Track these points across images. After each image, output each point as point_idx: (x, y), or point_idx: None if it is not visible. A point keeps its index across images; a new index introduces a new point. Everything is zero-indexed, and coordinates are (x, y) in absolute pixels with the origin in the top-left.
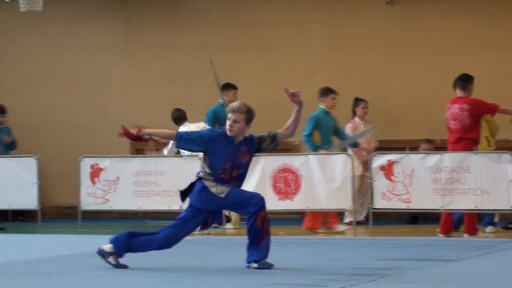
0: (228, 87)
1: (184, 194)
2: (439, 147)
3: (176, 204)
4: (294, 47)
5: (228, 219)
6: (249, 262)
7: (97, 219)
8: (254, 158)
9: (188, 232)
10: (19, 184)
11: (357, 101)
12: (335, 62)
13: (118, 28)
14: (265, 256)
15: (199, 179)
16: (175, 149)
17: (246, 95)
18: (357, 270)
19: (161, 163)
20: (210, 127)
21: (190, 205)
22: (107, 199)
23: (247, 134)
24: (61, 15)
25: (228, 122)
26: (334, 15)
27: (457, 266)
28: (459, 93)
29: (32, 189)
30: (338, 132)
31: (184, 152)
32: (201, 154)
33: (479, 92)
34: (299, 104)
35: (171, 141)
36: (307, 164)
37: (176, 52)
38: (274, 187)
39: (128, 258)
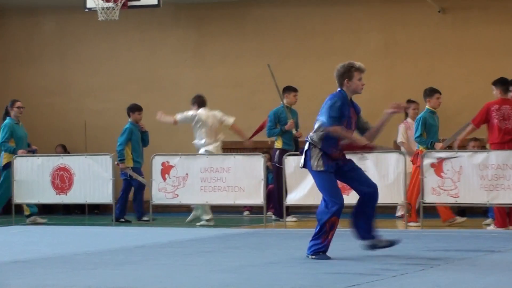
0: (288, 89)
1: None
2: (485, 145)
3: (241, 199)
4: (351, 53)
5: (289, 213)
6: (308, 253)
7: (167, 212)
8: None
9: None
10: (96, 180)
11: (409, 102)
12: (389, 67)
13: (188, 35)
14: (325, 250)
15: (310, 145)
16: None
17: (306, 98)
18: (408, 260)
19: (226, 160)
20: (337, 95)
21: None
22: (176, 194)
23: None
24: (135, 24)
25: (361, 82)
26: (388, 24)
27: (502, 257)
28: (503, 95)
29: (107, 184)
30: None
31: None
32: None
33: None
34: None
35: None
36: (363, 161)
37: (242, 57)
38: None
39: (194, 248)
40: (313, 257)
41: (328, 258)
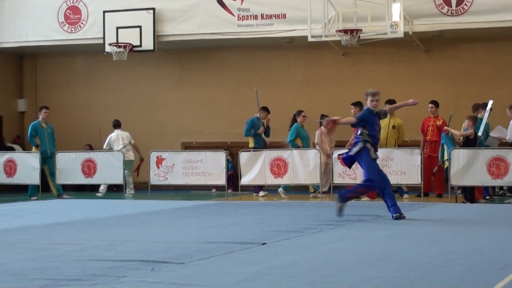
0: (264, 109)
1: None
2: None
3: (210, 181)
4: (284, 82)
5: (262, 189)
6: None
7: (160, 190)
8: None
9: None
10: (111, 168)
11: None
12: (309, 91)
13: (174, 70)
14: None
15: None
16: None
17: (251, 113)
18: (323, 221)
19: (200, 155)
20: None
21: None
22: (166, 177)
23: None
24: (138, 62)
25: (374, 103)
26: (309, 63)
27: (386, 219)
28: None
29: (119, 171)
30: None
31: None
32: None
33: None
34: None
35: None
36: (292, 156)
37: (210, 85)
38: (271, 170)
39: (178, 214)
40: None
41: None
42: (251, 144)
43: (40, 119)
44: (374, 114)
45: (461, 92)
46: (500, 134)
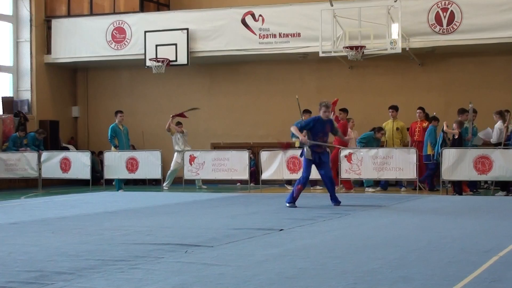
0: (307, 111)
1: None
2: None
3: (235, 176)
4: (300, 92)
5: (316, 183)
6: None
7: (193, 184)
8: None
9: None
10: (151, 165)
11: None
12: (320, 100)
13: (205, 81)
14: (292, 201)
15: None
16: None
17: (277, 119)
18: (332, 211)
19: (227, 153)
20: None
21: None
22: (198, 173)
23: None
24: (174, 75)
25: (326, 113)
26: (321, 75)
27: (385, 210)
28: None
29: (158, 168)
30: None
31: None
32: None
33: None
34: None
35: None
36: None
37: (235, 94)
38: (287, 166)
39: (208, 204)
40: (287, 205)
41: (295, 206)
42: (297, 144)
43: (116, 121)
44: (323, 122)
45: (451, 100)
46: (485, 135)
